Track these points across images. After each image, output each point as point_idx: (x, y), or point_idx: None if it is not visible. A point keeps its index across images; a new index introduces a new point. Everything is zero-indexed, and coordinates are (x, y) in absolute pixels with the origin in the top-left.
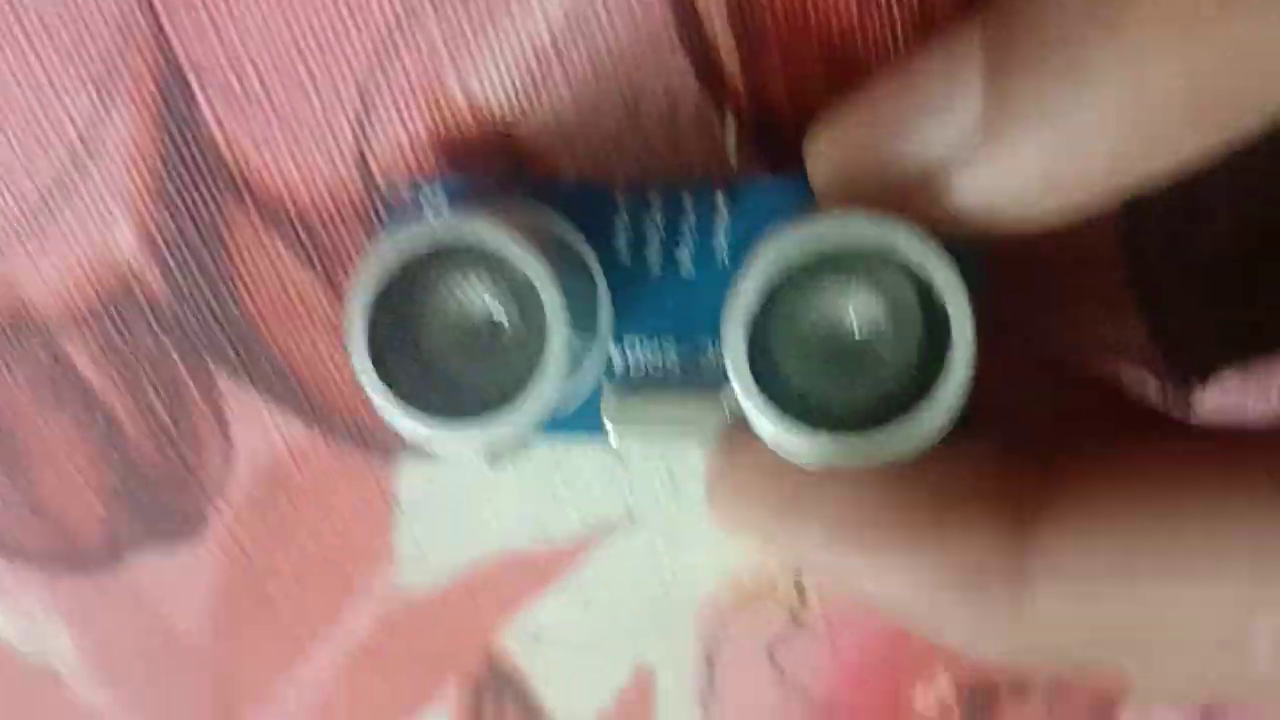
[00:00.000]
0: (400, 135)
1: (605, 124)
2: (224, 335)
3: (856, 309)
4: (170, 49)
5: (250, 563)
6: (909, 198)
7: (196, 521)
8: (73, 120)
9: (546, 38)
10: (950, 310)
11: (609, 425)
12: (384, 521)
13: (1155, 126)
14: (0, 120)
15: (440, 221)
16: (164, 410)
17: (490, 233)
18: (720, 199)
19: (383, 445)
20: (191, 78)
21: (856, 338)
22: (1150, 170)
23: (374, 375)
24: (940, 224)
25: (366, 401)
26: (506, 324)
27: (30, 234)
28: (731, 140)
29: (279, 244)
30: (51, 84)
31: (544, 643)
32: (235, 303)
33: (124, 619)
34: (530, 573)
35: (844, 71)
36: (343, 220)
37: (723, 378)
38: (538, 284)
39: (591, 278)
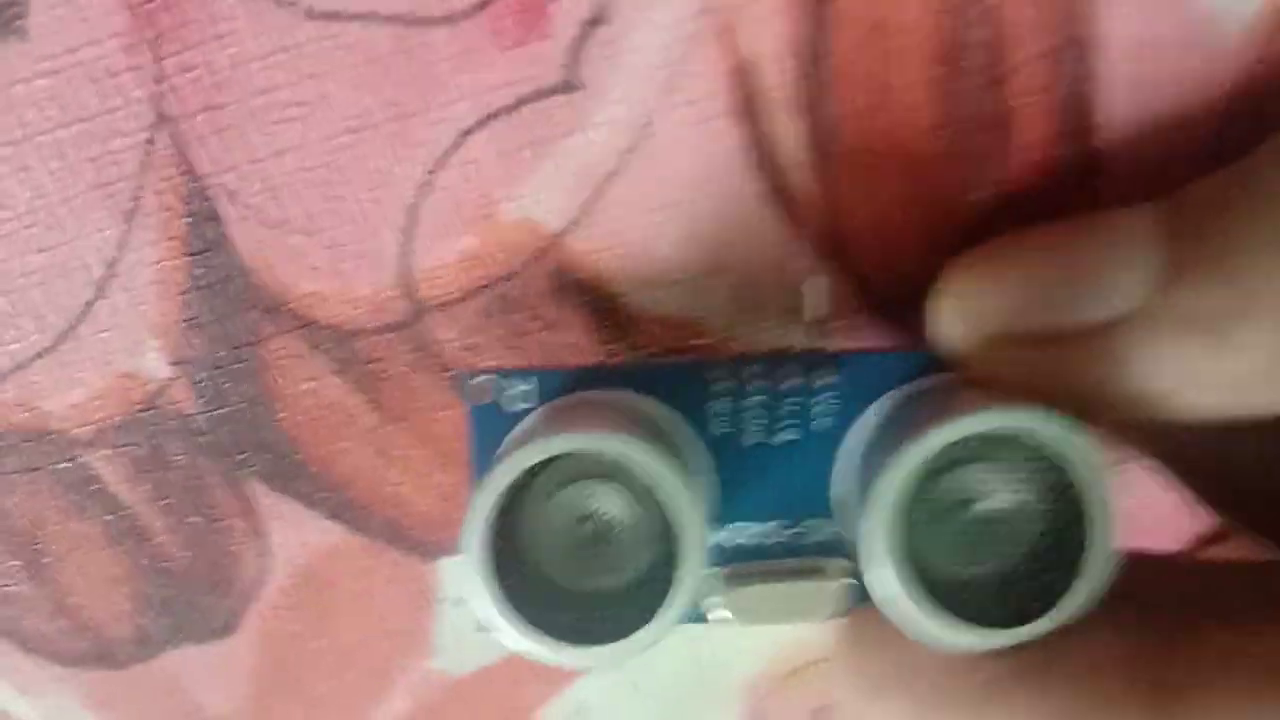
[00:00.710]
0: (446, 251)
1: (667, 247)
2: (260, 449)
3: (989, 490)
4: (197, 177)
5: (286, 653)
6: (1054, 369)
7: (231, 621)
8: (97, 250)
9: (607, 158)
10: (1093, 504)
11: (725, 614)
12: (424, 613)
13: None
14: (20, 251)
15: (560, 436)
16: (198, 520)
17: (618, 443)
18: (819, 373)
19: (421, 546)
20: (221, 204)
21: (988, 517)
22: None
23: (508, 608)
24: (1075, 391)
25: (406, 506)
26: (624, 531)
27: (53, 355)
28: (818, 299)
29: (318, 362)
30: (73, 215)
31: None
32: (272, 419)
33: (156, 706)
34: None
35: (918, 184)
36: (384, 333)
37: (830, 552)
38: (671, 500)
39: (693, 463)
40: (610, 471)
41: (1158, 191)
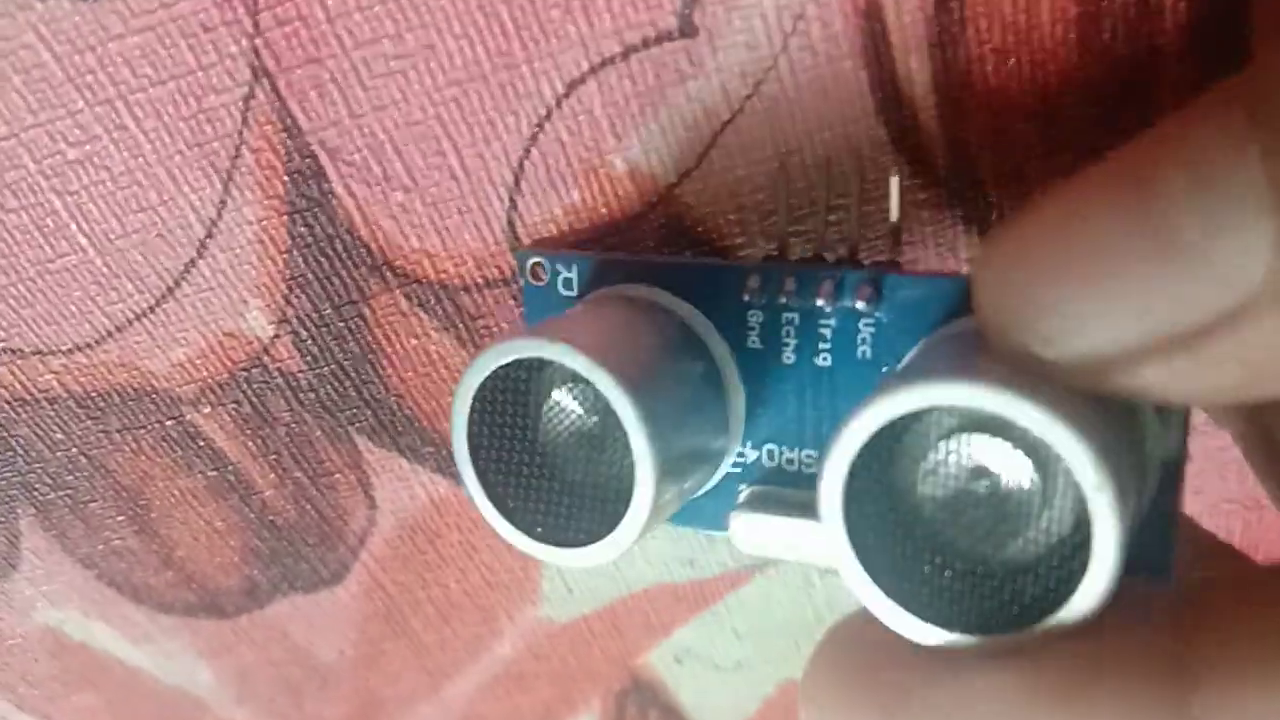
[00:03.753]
0: (553, 205)
1: (786, 197)
2: (366, 405)
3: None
4: (297, 133)
5: (393, 602)
6: (1149, 364)
7: (339, 570)
8: (196, 210)
9: (723, 107)
10: (1095, 517)
11: (735, 541)
12: (531, 563)
13: None
14: (118, 212)
15: (521, 339)
16: (303, 474)
17: (569, 354)
18: (866, 291)
19: None
20: (324, 161)
21: (986, 496)
22: None
23: (487, 500)
24: (1183, 396)
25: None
26: (600, 435)
27: (154, 316)
28: (895, 198)
29: (424, 318)
30: (171, 175)
31: (688, 664)
32: (378, 375)
33: (265, 653)
34: (678, 602)
35: (1057, 128)
36: (490, 288)
37: None
38: (623, 416)
39: (718, 374)
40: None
41: None
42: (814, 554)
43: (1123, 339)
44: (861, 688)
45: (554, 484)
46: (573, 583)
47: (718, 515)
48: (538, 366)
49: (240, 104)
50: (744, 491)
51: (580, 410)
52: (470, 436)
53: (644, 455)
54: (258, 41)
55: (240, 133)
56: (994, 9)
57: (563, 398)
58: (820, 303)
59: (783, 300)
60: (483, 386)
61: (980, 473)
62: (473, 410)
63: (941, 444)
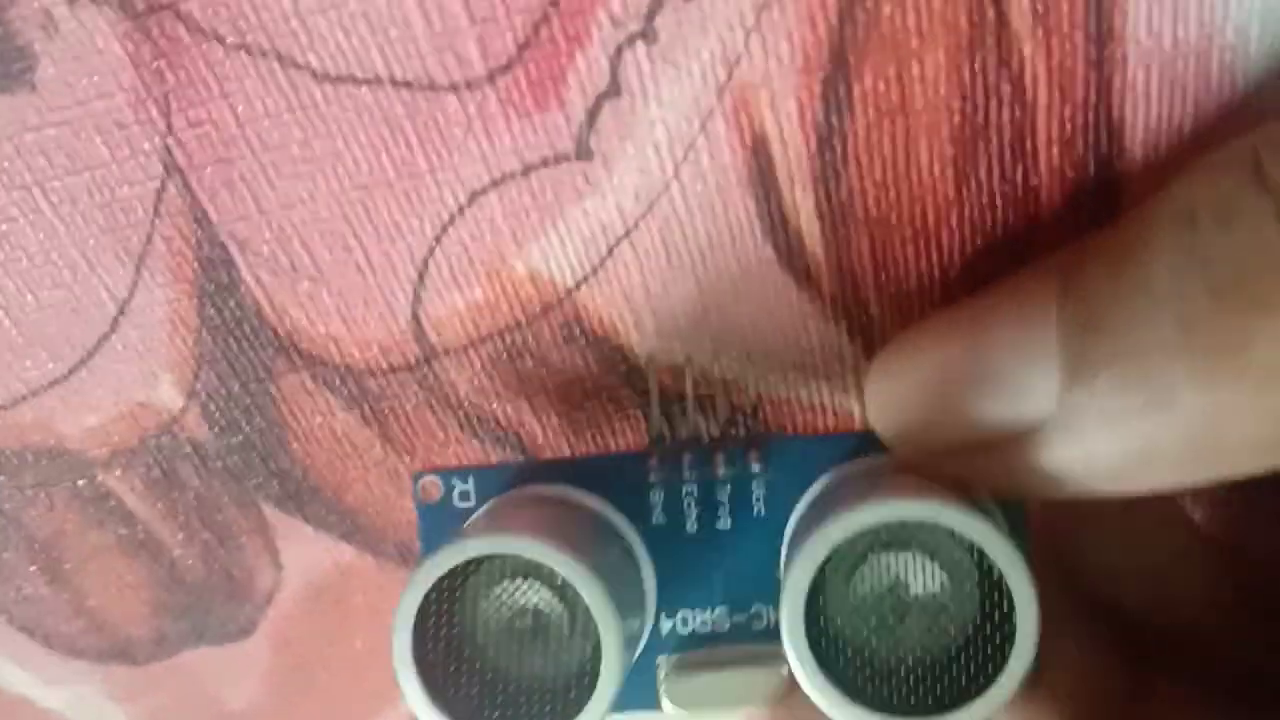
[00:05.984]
0: (457, 301)
1: (678, 304)
2: (273, 475)
3: (912, 577)
4: (209, 224)
5: (302, 656)
6: (973, 458)
7: (247, 626)
8: (109, 289)
9: (618, 223)
10: (1014, 590)
11: (670, 706)
12: None
13: (1227, 453)
14: (34, 287)
15: (473, 538)
16: (211, 536)
17: (524, 543)
18: (753, 458)
19: None
20: (234, 251)
21: (913, 603)
22: (1219, 475)
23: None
24: (1003, 488)
25: (416, 531)
26: (554, 623)
27: (67, 384)
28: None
29: (330, 399)
30: (85, 257)
31: None
32: (285, 451)
33: (176, 699)
34: None
35: (936, 254)
36: (394, 374)
37: (778, 637)
38: (584, 592)
39: (632, 554)
40: (531, 570)
41: None
42: (751, 699)
43: (958, 428)
44: None
45: (502, 683)
46: None
47: (647, 693)
48: (474, 567)
49: (152, 196)
50: (664, 662)
51: (528, 604)
52: (416, 652)
53: (610, 633)
54: (170, 140)
55: (152, 221)
56: (874, 148)
57: (505, 594)
58: (719, 472)
59: (683, 476)
60: (427, 597)
61: (913, 580)
62: (418, 621)
63: (879, 556)
